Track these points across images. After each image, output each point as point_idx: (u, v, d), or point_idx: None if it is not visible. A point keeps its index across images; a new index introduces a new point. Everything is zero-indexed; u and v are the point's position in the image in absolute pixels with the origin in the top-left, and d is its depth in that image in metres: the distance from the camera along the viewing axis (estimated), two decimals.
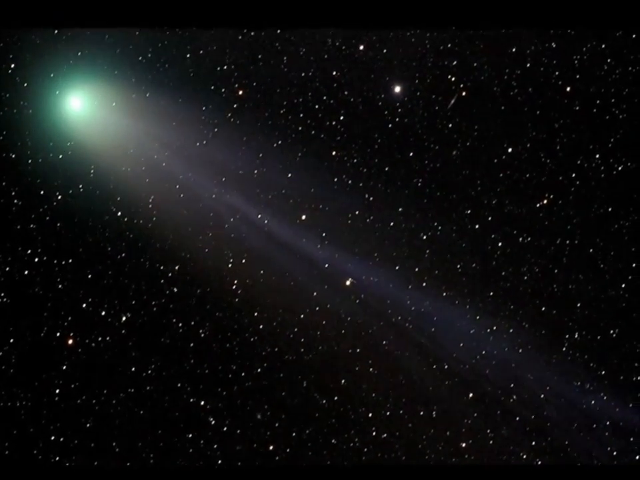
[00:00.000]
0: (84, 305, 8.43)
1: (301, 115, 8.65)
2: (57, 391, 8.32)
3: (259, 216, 8.66)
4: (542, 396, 8.76)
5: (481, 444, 8.65)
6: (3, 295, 8.20)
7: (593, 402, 8.72)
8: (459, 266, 8.74)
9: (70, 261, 8.40)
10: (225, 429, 8.60)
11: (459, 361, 8.73)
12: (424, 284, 8.76)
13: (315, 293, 8.68)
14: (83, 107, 8.42)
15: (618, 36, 8.58)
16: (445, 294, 8.75)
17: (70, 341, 8.40)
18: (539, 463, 8.66)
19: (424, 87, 8.68)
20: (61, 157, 8.35)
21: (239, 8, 7.66)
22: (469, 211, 8.75)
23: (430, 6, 7.68)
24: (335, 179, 8.70)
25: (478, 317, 8.76)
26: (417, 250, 8.74)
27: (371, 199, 8.71)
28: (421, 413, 8.68)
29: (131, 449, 8.41)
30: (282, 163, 8.65)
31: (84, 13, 7.07)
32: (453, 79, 8.65)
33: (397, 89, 8.71)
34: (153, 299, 8.55)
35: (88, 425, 8.38)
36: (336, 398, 8.67)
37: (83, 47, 8.27)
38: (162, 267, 8.56)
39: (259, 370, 8.66)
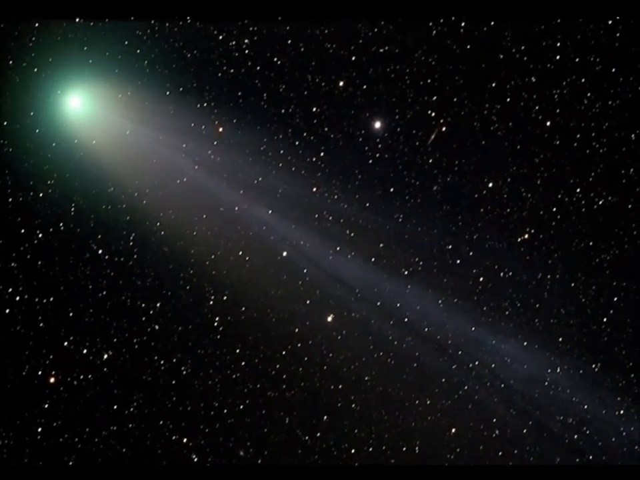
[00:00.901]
0: (65, 343, 8.47)
1: (281, 152, 8.71)
2: (39, 430, 8.34)
3: (240, 253, 8.69)
4: (524, 430, 8.79)
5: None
6: None
7: (575, 436, 8.75)
8: (440, 301, 8.77)
9: (51, 299, 8.44)
10: (207, 465, 8.63)
11: (441, 397, 8.76)
12: (405, 319, 8.81)
13: (296, 330, 8.72)
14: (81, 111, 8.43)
15: (597, 70, 8.62)
16: (426, 329, 8.79)
17: (52, 379, 8.44)
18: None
19: (404, 122, 8.73)
20: (41, 195, 8.36)
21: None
22: (450, 246, 8.80)
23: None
24: (316, 215, 8.75)
25: (460, 352, 8.79)
26: (398, 285, 8.78)
27: (352, 234, 8.77)
28: (404, 449, 8.71)
29: None
30: (263, 200, 8.69)
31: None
32: (433, 114, 8.69)
33: (377, 125, 8.77)
34: (135, 336, 8.59)
35: (70, 463, 8.40)
36: (318, 435, 8.71)
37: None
38: (143, 305, 8.60)
39: (241, 407, 8.71)
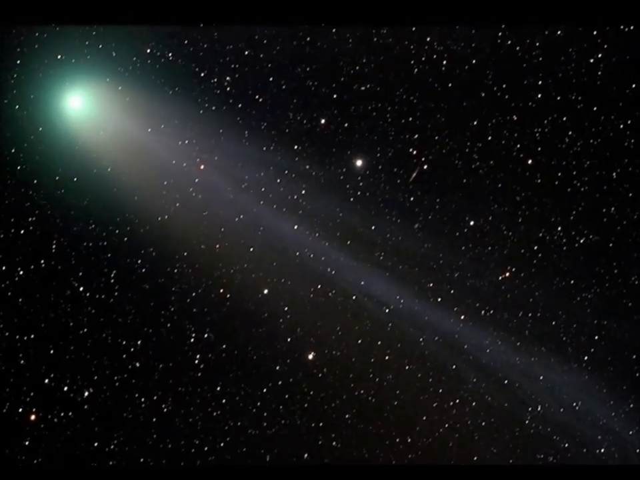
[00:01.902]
0: (46, 381, 8.51)
1: (263, 189, 8.78)
2: (19, 467, 8.36)
3: (221, 290, 8.74)
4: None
5: None
6: None
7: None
8: (421, 339, 8.83)
9: (32, 336, 8.48)
10: None
11: (421, 436, 8.81)
12: (386, 357, 8.86)
13: (277, 367, 8.77)
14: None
15: (579, 109, 8.69)
16: (407, 367, 8.84)
17: (32, 417, 8.46)
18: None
19: (385, 160, 8.79)
20: (22, 231, 8.40)
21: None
22: (431, 284, 8.85)
23: None
24: (297, 253, 8.79)
25: (441, 390, 8.84)
26: (379, 324, 8.83)
27: (333, 272, 8.82)
28: None
29: None
30: (243, 238, 8.76)
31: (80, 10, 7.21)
32: (414, 152, 8.76)
33: (359, 163, 8.83)
34: (115, 374, 8.65)
35: None
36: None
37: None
38: (124, 342, 8.65)
39: (222, 444, 8.75)
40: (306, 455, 8.79)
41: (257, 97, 8.72)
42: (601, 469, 8.56)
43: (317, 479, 8.02)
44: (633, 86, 8.60)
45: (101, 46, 8.30)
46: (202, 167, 8.74)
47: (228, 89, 8.70)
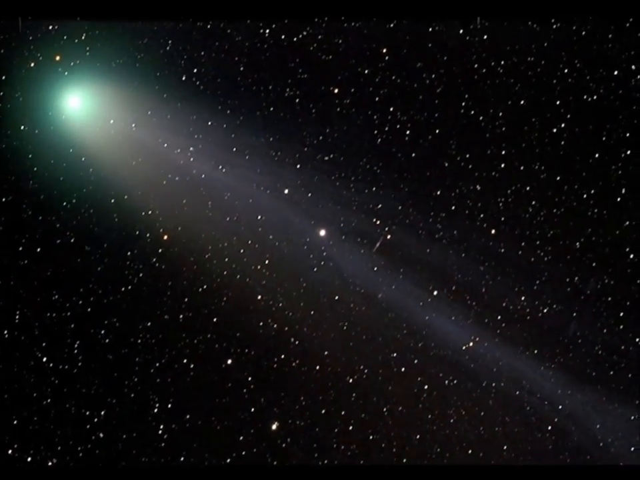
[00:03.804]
0: (9, 451, 8.57)
1: (226, 260, 8.85)
2: None
3: (185, 361, 8.86)
4: None
5: None
6: None
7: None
8: (385, 409, 8.90)
9: None
10: None
11: None
12: (350, 427, 8.95)
13: (240, 437, 8.84)
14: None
15: (542, 178, 8.81)
16: (371, 437, 8.92)
17: None
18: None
19: (349, 229, 8.90)
20: None
21: None
22: (394, 354, 8.93)
23: None
24: (260, 323, 8.88)
25: (405, 460, 8.90)
26: (343, 394, 8.91)
27: (297, 342, 8.90)
28: None
29: None
30: (206, 308, 8.83)
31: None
32: (378, 222, 8.84)
33: (322, 232, 8.91)
34: (79, 444, 8.73)
35: None
36: None
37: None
38: (87, 412, 8.72)
39: None
40: None
41: (220, 166, 8.83)
42: (601, 469, 8.62)
43: None
44: (596, 156, 8.70)
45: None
46: (165, 237, 8.82)
47: (191, 159, 8.81)
